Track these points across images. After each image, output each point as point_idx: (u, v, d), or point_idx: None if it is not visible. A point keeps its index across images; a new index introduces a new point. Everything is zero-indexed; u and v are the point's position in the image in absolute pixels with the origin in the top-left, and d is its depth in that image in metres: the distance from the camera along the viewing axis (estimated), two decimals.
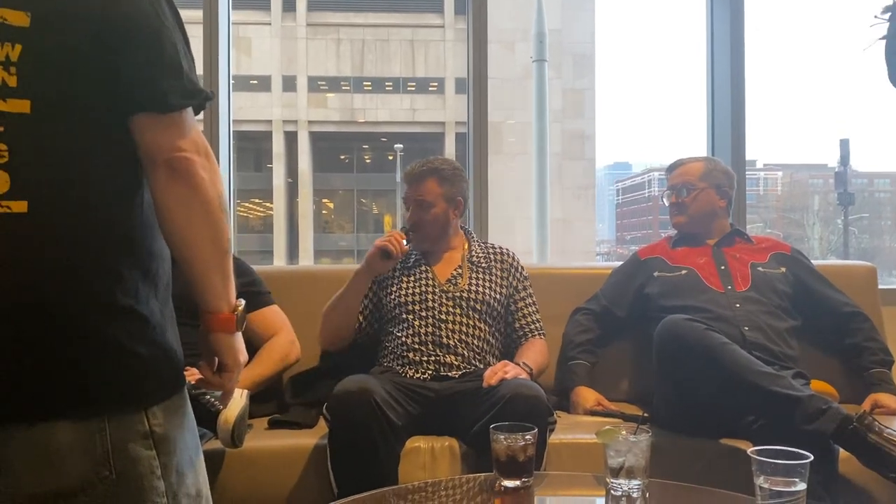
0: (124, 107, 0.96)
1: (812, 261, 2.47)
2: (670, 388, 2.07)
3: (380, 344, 2.29)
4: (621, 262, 2.60)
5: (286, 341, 2.25)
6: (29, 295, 0.91)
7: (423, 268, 2.29)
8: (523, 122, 13.75)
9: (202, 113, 1.08)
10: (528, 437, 1.42)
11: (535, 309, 2.33)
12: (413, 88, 23.78)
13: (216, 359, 1.12)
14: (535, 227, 6.40)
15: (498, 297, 2.27)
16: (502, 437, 1.43)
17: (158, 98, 0.97)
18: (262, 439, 2.00)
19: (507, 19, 14.79)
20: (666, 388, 2.10)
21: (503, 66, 15.21)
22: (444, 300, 2.22)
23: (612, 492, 1.38)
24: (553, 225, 7.00)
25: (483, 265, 2.31)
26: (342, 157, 26.34)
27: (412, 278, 2.27)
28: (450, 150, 22.20)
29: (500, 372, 1.94)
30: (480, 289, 2.26)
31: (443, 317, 2.20)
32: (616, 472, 1.38)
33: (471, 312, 2.22)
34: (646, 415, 1.99)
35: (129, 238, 0.98)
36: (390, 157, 25.22)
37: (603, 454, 1.40)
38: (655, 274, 2.39)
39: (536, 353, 2.23)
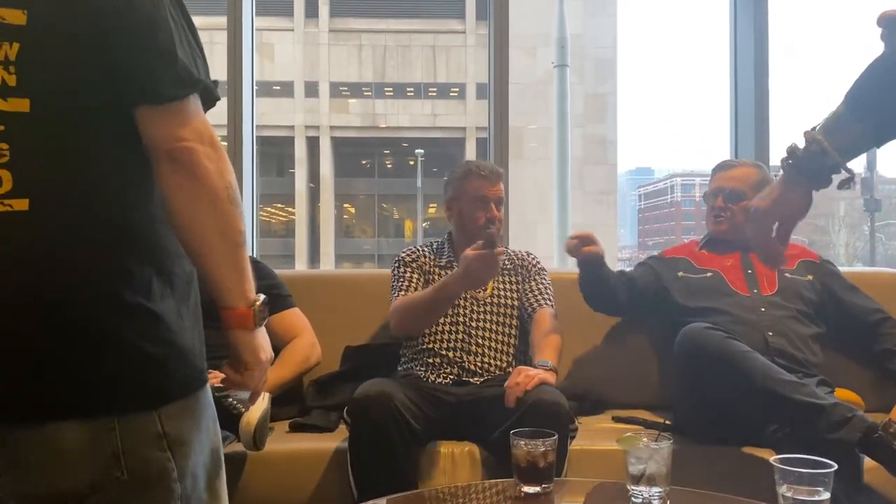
0: (124, 100, 0.95)
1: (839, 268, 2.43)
2: (692, 396, 2.06)
3: (402, 348, 2.30)
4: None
5: (307, 343, 2.26)
6: (31, 293, 0.90)
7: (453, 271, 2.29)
8: (545, 127, 13.73)
9: (218, 110, 1.05)
10: (548, 443, 1.42)
11: (547, 285, 2.31)
12: (434, 94, 23.85)
13: (240, 357, 1.09)
14: (556, 233, 6.39)
15: (523, 300, 2.29)
16: (523, 442, 1.42)
17: (151, 89, 0.94)
18: (284, 442, 2.01)
19: (528, 24, 14.77)
20: (687, 396, 2.09)
21: (525, 72, 15.22)
22: (474, 307, 2.22)
23: (632, 499, 1.37)
24: (574, 230, 6.97)
25: (508, 267, 2.32)
26: (363, 162, 26.47)
27: None
28: (471, 155, 22.21)
29: (522, 386, 1.89)
30: (507, 293, 2.27)
31: (473, 324, 2.20)
32: (637, 480, 1.37)
33: (498, 318, 2.23)
34: (667, 422, 1.98)
35: (137, 235, 0.96)
36: (411, 163, 25.31)
37: (624, 461, 1.39)
38: (679, 274, 2.37)
39: (549, 334, 2.14)
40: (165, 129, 0.95)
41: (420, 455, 1.91)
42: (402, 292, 2.23)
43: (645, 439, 1.40)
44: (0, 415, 0.90)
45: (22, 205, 0.90)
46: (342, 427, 2.07)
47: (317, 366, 2.30)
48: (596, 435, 2.06)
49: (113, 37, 0.93)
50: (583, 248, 2.16)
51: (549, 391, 1.88)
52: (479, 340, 2.18)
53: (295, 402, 2.27)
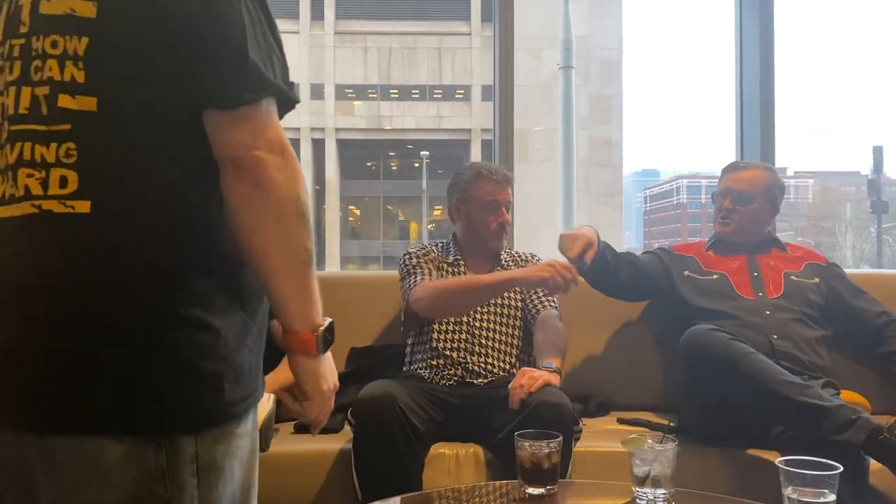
0: (191, 102, 0.88)
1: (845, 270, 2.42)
2: (697, 398, 2.05)
3: (407, 349, 2.30)
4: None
5: None
6: (86, 301, 0.85)
7: (462, 270, 2.29)
8: (550, 128, 13.72)
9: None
10: (552, 444, 1.42)
11: None
12: (439, 96, 23.86)
13: (300, 385, 1.02)
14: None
15: (526, 301, 2.28)
16: (527, 444, 1.42)
17: (218, 92, 0.88)
18: (288, 443, 2.01)
19: (533, 26, 14.77)
20: (692, 398, 2.08)
21: (530, 73, 15.21)
22: (479, 307, 2.22)
23: (637, 501, 1.37)
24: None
25: (513, 269, 2.32)
26: (369, 164, 26.49)
27: None
28: (476, 157, 22.21)
29: (526, 388, 1.90)
30: (511, 294, 2.26)
31: (477, 325, 2.20)
32: (642, 481, 1.37)
33: (502, 319, 2.22)
34: (672, 424, 1.98)
35: (202, 244, 0.90)
36: (416, 165, 25.33)
37: (629, 463, 1.39)
38: (686, 273, 2.36)
39: (554, 336, 2.15)
40: (233, 136, 0.88)
41: (424, 456, 1.91)
42: (424, 277, 2.20)
43: (650, 441, 1.40)
44: (44, 425, 0.86)
45: (84, 206, 0.85)
46: (347, 428, 2.07)
47: None
48: (601, 437, 2.05)
49: (181, 34, 0.87)
50: (586, 259, 2.10)
51: (553, 393, 1.88)
52: (483, 341, 2.18)
53: None
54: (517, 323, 2.25)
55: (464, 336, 2.18)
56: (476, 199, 2.27)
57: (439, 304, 2.13)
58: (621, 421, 2.25)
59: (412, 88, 23.97)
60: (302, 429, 2.12)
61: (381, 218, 27.06)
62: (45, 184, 0.86)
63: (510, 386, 1.92)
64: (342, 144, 24.10)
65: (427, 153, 24.13)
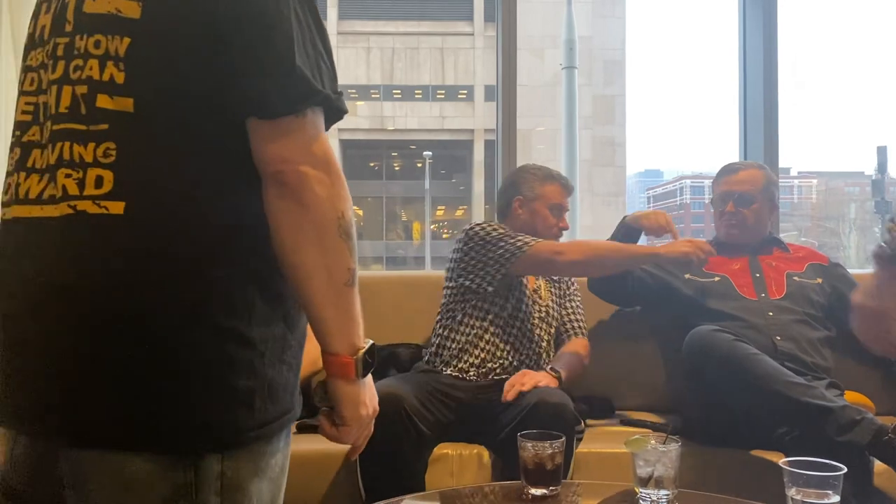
0: (233, 110, 0.85)
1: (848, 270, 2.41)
2: (700, 399, 2.05)
3: (435, 339, 2.24)
4: None
5: (315, 346, 2.26)
6: (116, 307, 0.82)
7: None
8: (553, 129, 13.73)
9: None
10: (555, 444, 1.42)
11: (579, 308, 2.35)
12: (442, 96, 23.86)
13: (338, 410, 0.99)
14: (564, 235, 6.37)
15: (562, 314, 2.32)
16: (530, 444, 1.42)
17: (261, 100, 0.84)
18: (293, 443, 2.00)
19: (536, 27, 14.78)
20: (696, 399, 2.08)
21: (533, 74, 15.23)
22: (536, 307, 2.24)
23: (641, 502, 1.37)
24: (583, 232, 6.98)
25: (555, 278, 2.34)
26: (372, 164, 26.49)
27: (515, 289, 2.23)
28: (479, 157, 22.23)
29: (517, 385, 1.92)
30: (551, 302, 2.29)
31: (528, 325, 2.20)
32: (645, 482, 1.37)
33: (545, 326, 2.24)
34: (675, 425, 1.97)
35: (242, 251, 0.87)
36: (419, 165, 25.32)
37: (632, 464, 1.39)
38: (687, 276, 2.36)
39: (572, 354, 2.21)
40: (274, 148, 0.85)
41: (428, 457, 1.91)
42: (535, 238, 2.14)
43: (653, 442, 1.40)
44: (75, 438, 0.84)
45: (117, 208, 0.83)
46: None
47: None
48: (604, 438, 2.06)
49: (225, 38, 0.84)
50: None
51: (555, 392, 1.88)
52: (530, 344, 2.18)
53: (303, 404, 2.27)
54: (552, 331, 2.27)
55: (515, 332, 2.18)
56: (545, 198, 2.29)
57: (593, 259, 2.15)
58: (624, 422, 2.25)
59: (415, 89, 23.97)
60: (306, 428, 2.12)
61: (384, 218, 27.07)
62: (81, 184, 0.84)
63: (509, 381, 1.93)
64: (345, 145, 24.10)
65: (430, 153, 24.13)
